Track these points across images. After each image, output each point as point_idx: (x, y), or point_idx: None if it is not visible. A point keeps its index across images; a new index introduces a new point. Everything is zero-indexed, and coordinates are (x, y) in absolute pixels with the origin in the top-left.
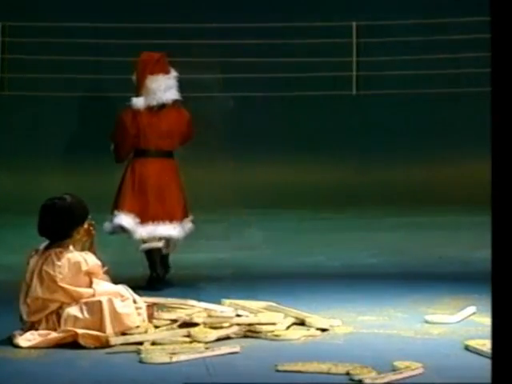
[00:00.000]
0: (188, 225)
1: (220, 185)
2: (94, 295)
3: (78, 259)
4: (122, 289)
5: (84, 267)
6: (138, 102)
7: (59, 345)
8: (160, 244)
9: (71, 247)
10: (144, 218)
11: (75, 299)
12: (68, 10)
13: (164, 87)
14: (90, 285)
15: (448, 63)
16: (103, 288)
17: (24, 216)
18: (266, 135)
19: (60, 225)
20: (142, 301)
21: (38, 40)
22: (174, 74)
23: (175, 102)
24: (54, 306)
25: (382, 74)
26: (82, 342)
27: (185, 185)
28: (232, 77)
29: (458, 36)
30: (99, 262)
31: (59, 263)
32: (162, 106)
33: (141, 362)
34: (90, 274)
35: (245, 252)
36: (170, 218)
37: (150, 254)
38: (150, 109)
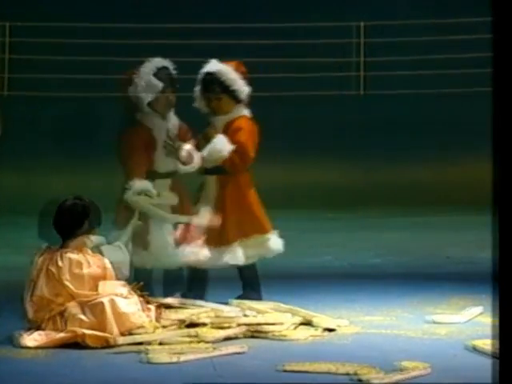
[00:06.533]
0: None
1: None
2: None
3: (79, 260)
4: (125, 288)
5: (85, 269)
6: None
7: (66, 345)
8: None
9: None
10: None
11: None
12: (69, 10)
13: None
14: (97, 289)
15: (456, 63)
16: (105, 288)
17: (27, 216)
18: (274, 135)
19: (78, 225)
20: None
21: (40, 40)
22: None
23: None
24: (57, 309)
25: (389, 73)
26: (88, 342)
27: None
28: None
29: (466, 36)
30: (109, 266)
31: (61, 264)
32: None
33: (148, 361)
34: (95, 278)
35: None
36: None
37: None
38: None
